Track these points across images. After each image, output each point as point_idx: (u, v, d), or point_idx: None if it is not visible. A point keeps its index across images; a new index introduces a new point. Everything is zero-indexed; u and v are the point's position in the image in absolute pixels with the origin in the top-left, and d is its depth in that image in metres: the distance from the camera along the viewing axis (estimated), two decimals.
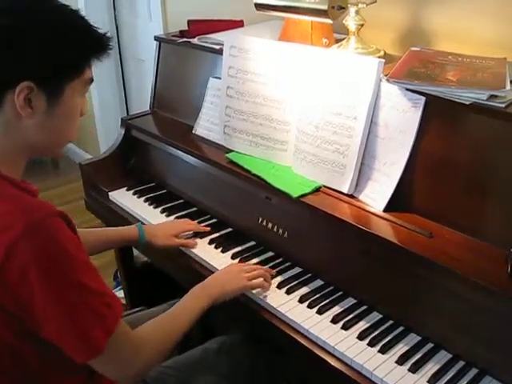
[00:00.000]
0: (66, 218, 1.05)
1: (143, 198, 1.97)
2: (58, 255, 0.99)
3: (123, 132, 2.12)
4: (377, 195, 1.43)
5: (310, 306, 1.39)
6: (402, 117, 1.38)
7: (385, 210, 1.40)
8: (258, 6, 1.72)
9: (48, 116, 1.07)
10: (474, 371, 1.20)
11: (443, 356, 1.24)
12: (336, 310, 1.39)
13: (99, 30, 1.11)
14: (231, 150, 1.76)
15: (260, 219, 1.62)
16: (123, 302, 2.15)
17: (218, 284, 1.40)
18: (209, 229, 1.74)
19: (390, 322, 1.34)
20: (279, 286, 1.47)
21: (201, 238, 1.71)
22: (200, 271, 1.59)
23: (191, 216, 1.82)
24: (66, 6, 1.09)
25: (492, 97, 1.25)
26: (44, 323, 1.02)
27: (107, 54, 1.13)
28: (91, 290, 1.04)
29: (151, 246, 1.67)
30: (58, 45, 1.05)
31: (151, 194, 1.99)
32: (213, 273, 1.51)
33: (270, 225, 1.60)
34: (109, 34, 1.13)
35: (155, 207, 1.90)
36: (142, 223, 1.73)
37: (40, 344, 1.05)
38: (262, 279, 1.45)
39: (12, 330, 1.03)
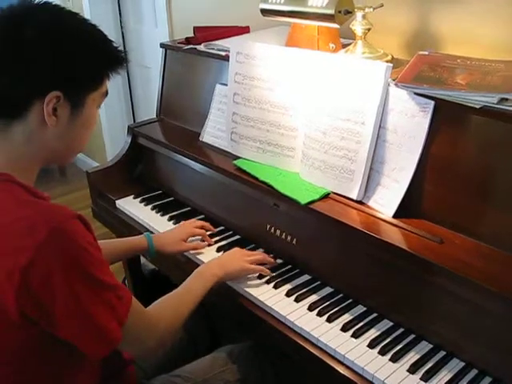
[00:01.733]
0: (83, 220, 1.07)
1: (150, 205, 1.96)
2: (79, 257, 1.02)
3: (130, 140, 2.12)
4: (386, 201, 1.41)
5: (319, 314, 1.38)
6: (410, 121, 1.36)
7: (394, 216, 1.39)
8: (264, 12, 1.71)
9: (69, 125, 1.11)
10: (487, 380, 1.18)
11: (456, 364, 1.23)
12: (346, 317, 1.37)
13: (116, 45, 1.17)
14: (238, 157, 1.75)
15: (268, 226, 1.61)
16: None
17: (220, 265, 1.49)
18: (213, 241, 1.72)
19: (401, 329, 1.33)
20: (288, 294, 1.45)
21: (209, 245, 1.69)
22: None
23: None
24: (86, 20, 1.14)
25: (503, 100, 1.24)
26: (62, 324, 1.03)
27: (124, 68, 1.18)
28: (105, 285, 1.07)
29: (161, 255, 1.67)
30: (84, 56, 1.09)
31: (158, 202, 1.98)
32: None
33: (278, 232, 1.59)
34: (120, 48, 1.18)
35: (162, 215, 1.89)
36: (150, 232, 1.73)
37: (54, 343, 1.07)
38: (262, 267, 1.53)
39: (27, 332, 1.04)
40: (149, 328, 1.20)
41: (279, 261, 1.60)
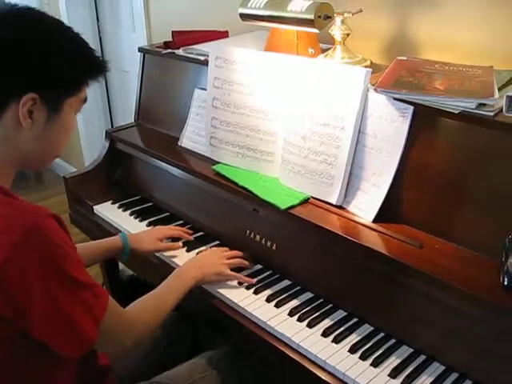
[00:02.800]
0: (58, 219, 1.07)
1: (129, 211, 1.94)
2: (54, 255, 1.02)
3: (108, 145, 2.09)
4: (366, 206, 1.42)
5: (300, 320, 1.37)
6: (390, 126, 1.37)
7: (374, 221, 1.39)
8: (244, 16, 1.71)
9: (45, 129, 1.11)
10: (468, 383, 1.19)
11: (436, 368, 1.23)
12: (326, 322, 1.37)
13: (96, 53, 1.17)
14: (217, 162, 1.74)
15: (248, 232, 1.60)
16: None
17: (199, 267, 1.49)
18: (192, 238, 1.73)
19: (382, 334, 1.33)
20: (268, 300, 1.45)
21: (188, 250, 1.69)
22: None
23: None
24: (69, 27, 1.14)
25: (480, 105, 1.25)
26: (37, 323, 1.03)
27: (103, 75, 1.19)
28: (82, 283, 1.07)
29: (136, 254, 1.66)
30: (63, 60, 1.09)
31: (137, 208, 1.96)
32: (199, 287, 1.51)
33: (257, 237, 1.58)
34: (102, 57, 1.20)
35: (141, 220, 1.88)
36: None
37: (28, 346, 1.07)
38: (240, 275, 1.53)
39: (2, 332, 1.04)
40: (126, 328, 1.21)
41: (259, 266, 1.59)
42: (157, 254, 1.70)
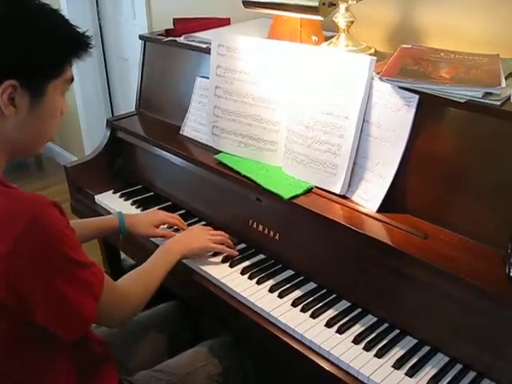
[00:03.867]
0: (58, 206, 1.06)
1: (130, 200, 1.93)
2: (58, 242, 1.03)
3: (109, 133, 2.08)
4: (370, 196, 1.40)
5: (303, 310, 1.37)
6: (394, 115, 1.35)
7: (378, 211, 1.38)
8: (246, 4, 1.69)
9: (30, 115, 1.08)
10: (472, 374, 1.19)
11: (440, 359, 1.23)
12: (330, 313, 1.36)
13: (79, 29, 1.12)
14: (220, 151, 1.72)
15: (250, 221, 1.59)
16: None
17: (184, 243, 1.54)
18: (187, 228, 1.73)
19: (386, 324, 1.32)
20: (271, 290, 1.44)
21: None
22: (190, 275, 1.56)
23: None
24: (46, 5, 1.09)
25: (487, 94, 1.23)
26: (41, 310, 1.04)
27: (88, 52, 1.14)
28: (82, 264, 1.08)
29: (132, 235, 1.68)
30: (41, 43, 1.05)
31: (138, 197, 1.95)
32: (202, 276, 1.53)
33: (260, 227, 1.57)
34: (88, 33, 1.14)
35: (142, 210, 1.87)
36: None
37: (28, 335, 1.08)
38: (223, 246, 1.58)
39: (2, 321, 1.04)
40: (120, 302, 1.24)
41: (262, 256, 1.58)
42: (153, 240, 1.71)
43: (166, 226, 1.73)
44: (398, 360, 1.22)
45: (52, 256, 1.02)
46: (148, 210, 1.84)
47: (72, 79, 1.15)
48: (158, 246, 1.67)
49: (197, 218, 1.79)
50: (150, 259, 1.44)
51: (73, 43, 1.11)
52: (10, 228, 0.98)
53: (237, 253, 1.58)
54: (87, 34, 1.13)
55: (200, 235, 1.59)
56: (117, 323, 1.33)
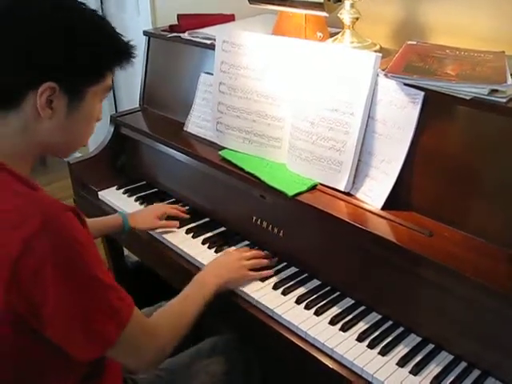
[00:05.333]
0: (77, 213, 1.04)
1: (134, 196, 1.93)
2: (72, 250, 0.99)
3: (113, 129, 2.08)
4: (374, 193, 1.40)
5: (307, 307, 1.37)
6: (400, 112, 1.35)
7: (383, 208, 1.37)
8: (252, 0, 1.68)
9: (67, 119, 1.07)
10: (476, 372, 1.18)
11: (445, 357, 1.22)
12: (334, 310, 1.36)
13: (124, 38, 1.11)
14: (224, 148, 1.72)
15: (254, 218, 1.59)
16: None
17: (220, 275, 1.42)
18: (188, 216, 1.77)
19: (390, 322, 1.32)
20: (275, 287, 1.44)
21: (194, 237, 1.67)
22: (191, 270, 1.56)
23: None
24: (93, 11, 1.09)
25: (493, 91, 1.22)
26: (51, 322, 0.99)
27: (131, 62, 1.13)
28: (105, 284, 1.04)
29: (135, 232, 1.70)
30: (85, 48, 1.04)
31: (142, 193, 1.95)
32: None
33: (264, 224, 1.57)
34: (133, 43, 1.13)
35: (146, 206, 1.86)
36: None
37: (39, 341, 1.03)
38: (260, 273, 1.48)
39: (13, 328, 1.00)
40: (149, 338, 1.15)
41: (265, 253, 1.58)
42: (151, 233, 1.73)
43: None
44: (402, 358, 1.21)
45: (65, 264, 0.97)
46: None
47: (110, 87, 1.13)
48: (158, 239, 1.70)
49: (201, 215, 1.79)
50: (183, 292, 1.34)
51: (116, 51, 1.10)
52: (22, 230, 0.95)
53: (272, 272, 1.49)
54: (131, 43, 1.12)
55: (234, 263, 1.47)
56: (145, 363, 1.18)
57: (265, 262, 1.52)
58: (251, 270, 1.48)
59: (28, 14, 1.00)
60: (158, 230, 1.71)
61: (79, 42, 1.03)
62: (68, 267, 0.98)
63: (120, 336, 1.05)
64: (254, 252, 1.54)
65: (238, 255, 1.50)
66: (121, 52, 1.11)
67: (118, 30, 1.11)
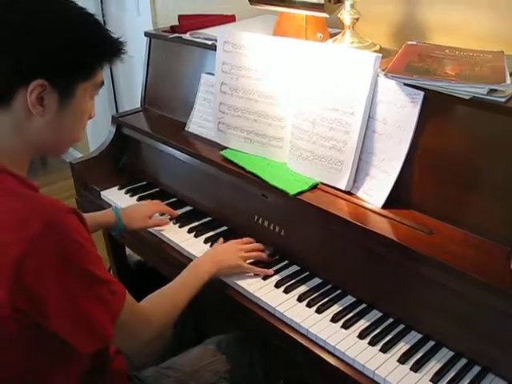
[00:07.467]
0: (78, 214, 1.05)
1: (136, 196, 1.94)
2: (74, 251, 1.00)
3: (114, 130, 2.09)
4: (375, 192, 1.41)
5: (308, 305, 1.38)
6: (400, 112, 1.36)
7: (383, 207, 1.39)
8: (252, 1, 1.70)
9: (58, 116, 1.07)
10: (476, 369, 1.19)
11: (445, 354, 1.23)
12: (335, 308, 1.37)
13: (112, 34, 1.12)
14: (225, 147, 1.73)
15: (256, 217, 1.60)
16: None
17: (215, 261, 1.48)
18: (177, 213, 1.80)
19: (391, 319, 1.33)
20: (277, 285, 1.45)
21: (196, 236, 1.68)
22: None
23: (185, 214, 1.81)
24: (82, 8, 1.09)
25: (492, 91, 1.24)
26: (54, 318, 1.01)
27: (120, 58, 1.13)
28: (100, 280, 1.06)
29: (127, 231, 1.72)
30: (73, 45, 1.04)
31: (144, 193, 1.96)
32: None
33: (266, 223, 1.58)
34: (122, 39, 1.13)
35: None
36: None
37: (45, 336, 1.05)
38: (257, 269, 1.51)
39: (18, 324, 1.02)
40: (142, 323, 1.20)
41: (267, 252, 1.59)
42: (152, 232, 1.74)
43: (157, 214, 1.78)
44: (403, 355, 1.22)
45: (66, 263, 0.99)
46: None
47: (102, 84, 1.14)
48: (160, 238, 1.71)
49: (203, 214, 1.80)
50: (177, 278, 1.40)
51: (105, 47, 1.10)
52: (24, 231, 0.96)
53: (271, 271, 1.50)
54: (121, 39, 1.13)
55: (232, 253, 1.51)
56: (139, 345, 1.25)
57: (264, 255, 1.55)
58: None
59: (16, 11, 1.00)
60: (159, 228, 1.73)
61: (68, 39, 1.03)
62: (67, 265, 0.99)
63: (116, 327, 1.09)
64: (254, 245, 1.57)
65: (236, 245, 1.55)
66: (109, 48, 1.11)
67: (118, 31, 1.12)
